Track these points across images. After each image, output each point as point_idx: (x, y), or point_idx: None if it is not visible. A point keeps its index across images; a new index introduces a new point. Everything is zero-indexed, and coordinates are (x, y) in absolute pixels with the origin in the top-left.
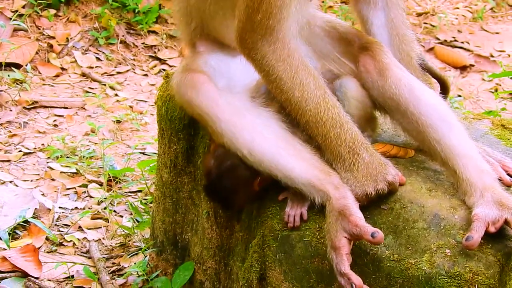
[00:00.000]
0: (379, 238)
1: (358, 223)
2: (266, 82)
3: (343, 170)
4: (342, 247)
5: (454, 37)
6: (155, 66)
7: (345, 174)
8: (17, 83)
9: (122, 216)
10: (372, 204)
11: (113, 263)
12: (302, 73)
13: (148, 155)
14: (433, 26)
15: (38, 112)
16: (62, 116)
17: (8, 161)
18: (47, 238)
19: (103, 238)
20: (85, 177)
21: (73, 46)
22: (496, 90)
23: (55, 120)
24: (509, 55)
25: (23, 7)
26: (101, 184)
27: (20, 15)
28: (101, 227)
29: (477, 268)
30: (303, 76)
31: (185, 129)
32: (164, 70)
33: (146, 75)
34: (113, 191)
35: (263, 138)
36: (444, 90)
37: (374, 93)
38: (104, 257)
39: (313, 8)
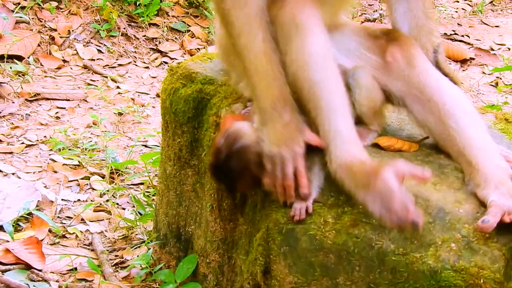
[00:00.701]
0: (428, 173)
1: (404, 162)
2: (221, 25)
3: (260, 123)
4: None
5: (454, 31)
6: (156, 59)
7: (260, 127)
8: (19, 75)
9: (124, 209)
10: None
11: (116, 256)
12: (253, 25)
13: (150, 147)
14: None
15: (40, 104)
16: (64, 108)
17: (11, 153)
18: (49, 230)
19: (106, 231)
20: (88, 169)
21: (75, 39)
22: (497, 84)
23: (57, 112)
24: (509, 49)
25: None
26: (103, 177)
27: (22, 7)
28: (103, 220)
29: (482, 263)
30: (253, 27)
31: (189, 122)
32: (165, 62)
33: (147, 67)
34: (116, 184)
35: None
36: None
37: (398, 83)
38: (107, 250)
39: (345, 16)
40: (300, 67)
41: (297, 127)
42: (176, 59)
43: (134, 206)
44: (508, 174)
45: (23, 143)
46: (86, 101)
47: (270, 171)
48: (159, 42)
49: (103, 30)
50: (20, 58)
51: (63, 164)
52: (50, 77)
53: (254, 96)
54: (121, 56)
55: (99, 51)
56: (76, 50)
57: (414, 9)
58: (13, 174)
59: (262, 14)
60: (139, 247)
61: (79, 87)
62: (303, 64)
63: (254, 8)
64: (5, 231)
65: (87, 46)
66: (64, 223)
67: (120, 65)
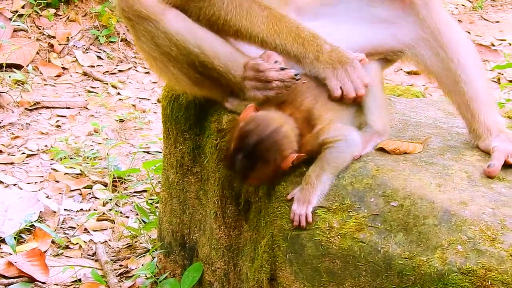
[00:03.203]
0: None
1: None
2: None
3: (309, 63)
4: None
5: None
6: None
7: (311, 65)
8: (18, 84)
9: (128, 217)
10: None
11: (121, 265)
12: (245, 5)
13: (153, 154)
14: None
15: (40, 113)
16: (65, 116)
17: (12, 163)
18: (53, 242)
19: (110, 240)
20: (90, 178)
21: (74, 45)
22: (499, 80)
23: (57, 121)
24: (510, 44)
25: (23, 7)
26: (106, 185)
27: (20, 15)
28: (107, 229)
29: (489, 264)
30: (246, 6)
31: (191, 129)
32: None
33: (148, 72)
34: (118, 192)
35: None
36: None
37: (410, 28)
38: (111, 259)
39: None
40: None
41: (340, 49)
42: None
43: (137, 214)
44: (504, 125)
45: (23, 153)
46: (86, 108)
47: (336, 86)
48: None
49: (102, 36)
50: (19, 67)
51: (64, 173)
52: (50, 85)
53: (287, 52)
54: (121, 62)
55: (99, 57)
56: (75, 57)
57: None
58: (14, 185)
59: None
60: (143, 256)
61: (79, 95)
62: None
63: None
64: (7, 244)
65: (87, 52)
66: (68, 234)
67: (120, 71)
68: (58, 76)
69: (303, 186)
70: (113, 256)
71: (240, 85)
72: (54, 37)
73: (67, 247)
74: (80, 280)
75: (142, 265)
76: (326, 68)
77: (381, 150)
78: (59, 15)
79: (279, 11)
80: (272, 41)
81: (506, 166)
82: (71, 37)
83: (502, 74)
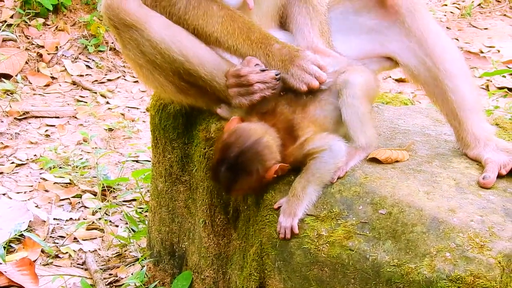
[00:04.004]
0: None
1: None
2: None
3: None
4: None
5: None
6: None
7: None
8: (7, 94)
9: (117, 226)
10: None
11: (110, 274)
12: (203, 4)
13: (142, 163)
14: None
15: (29, 123)
16: (54, 126)
17: (1, 173)
18: (42, 251)
19: (99, 249)
20: (79, 187)
21: (63, 55)
22: (487, 87)
23: (47, 130)
24: (498, 51)
25: (11, 17)
26: (95, 194)
27: (9, 25)
28: (96, 238)
29: (478, 271)
30: (204, 6)
31: (179, 138)
32: None
33: (136, 81)
34: (108, 201)
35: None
36: None
37: (396, 38)
38: (101, 268)
39: None
40: None
41: (291, 47)
42: None
43: (127, 223)
44: (492, 133)
45: (13, 162)
46: (76, 117)
47: (298, 84)
48: None
49: (91, 45)
50: (8, 77)
51: (54, 183)
52: (39, 94)
53: (238, 52)
54: (110, 71)
55: (88, 66)
56: (64, 66)
57: None
58: (3, 194)
59: None
60: (133, 264)
61: (68, 104)
62: None
63: None
64: None
65: (76, 62)
66: (57, 243)
67: (109, 80)
68: (47, 85)
69: (289, 197)
70: (102, 265)
71: (225, 93)
72: (43, 47)
73: (56, 256)
74: None
75: (132, 274)
76: (281, 70)
77: (374, 160)
78: (48, 25)
79: (238, 11)
80: (225, 41)
81: (498, 176)
82: (60, 47)
83: (491, 81)
